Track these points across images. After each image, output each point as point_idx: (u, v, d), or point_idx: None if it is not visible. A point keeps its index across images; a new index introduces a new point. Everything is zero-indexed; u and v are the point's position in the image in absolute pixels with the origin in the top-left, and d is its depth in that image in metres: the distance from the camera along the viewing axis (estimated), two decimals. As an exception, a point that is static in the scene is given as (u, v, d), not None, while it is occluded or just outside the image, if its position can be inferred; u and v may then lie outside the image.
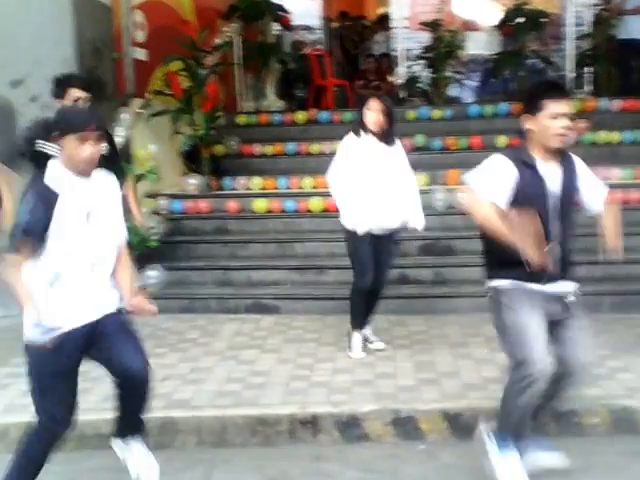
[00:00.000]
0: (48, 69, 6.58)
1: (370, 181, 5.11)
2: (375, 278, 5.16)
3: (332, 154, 8.31)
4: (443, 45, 10.88)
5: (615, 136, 8.09)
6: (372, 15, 14.42)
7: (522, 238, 3.25)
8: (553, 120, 3.35)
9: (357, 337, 5.29)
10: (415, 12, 14.57)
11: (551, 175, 3.44)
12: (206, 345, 5.66)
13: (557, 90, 3.44)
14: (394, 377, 4.81)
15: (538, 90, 3.47)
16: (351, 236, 5.18)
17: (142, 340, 3.51)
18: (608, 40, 10.29)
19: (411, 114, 9.18)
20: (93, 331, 3.38)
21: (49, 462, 3.53)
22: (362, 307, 5.30)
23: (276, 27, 11.84)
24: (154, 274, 6.62)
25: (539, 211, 3.33)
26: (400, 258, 5.98)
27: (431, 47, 11.22)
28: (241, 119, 9.53)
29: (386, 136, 5.15)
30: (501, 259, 3.45)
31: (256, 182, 7.88)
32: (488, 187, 3.41)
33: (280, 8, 11.05)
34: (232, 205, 7.54)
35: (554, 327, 3.49)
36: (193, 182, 7.99)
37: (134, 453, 3.67)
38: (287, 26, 12.04)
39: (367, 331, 5.43)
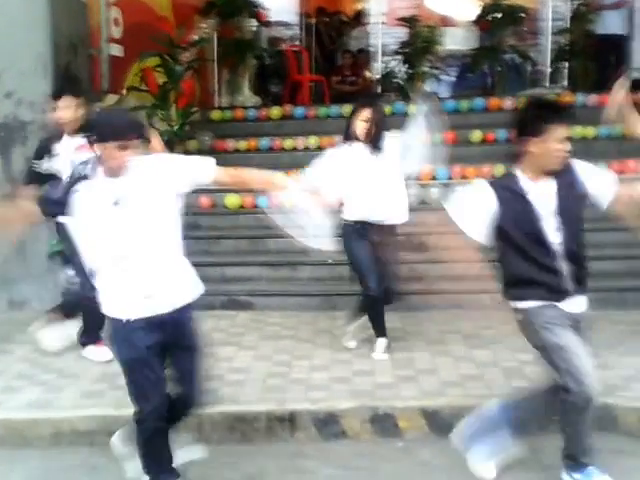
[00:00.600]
0: (23, 65, 6.57)
1: (357, 185, 5.09)
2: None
3: (306, 149, 8.46)
4: (420, 40, 10.89)
5: (591, 131, 8.13)
6: (349, 11, 14.40)
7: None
8: (558, 143, 3.33)
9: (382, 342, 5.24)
10: (392, 8, 14.56)
11: (543, 193, 3.40)
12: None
13: (562, 113, 3.40)
14: (372, 374, 4.81)
15: (542, 113, 3.39)
16: (346, 236, 5.15)
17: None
18: (585, 35, 10.37)
19: (386, 109, 9.17)
20: (165, 326, 3.33)
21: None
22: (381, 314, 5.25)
23: (253, 23, 11.81)
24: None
25: (532, 234, 3.36)
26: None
27: (408, 42, 11.22)
28: (216, 115, 9.50)
29: (374, 143, 5.08)
30: (521, 280, 3.48)
31: (229, 178, 7.80)
32: (466, 221, 3.44)
33: (257, 4, 11.01)
34: (204, 201, 7.48)
35: None
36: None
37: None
38: (264, 22, 12.01)
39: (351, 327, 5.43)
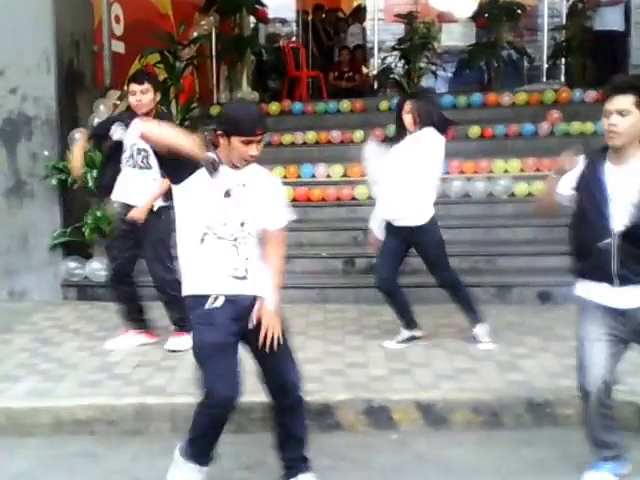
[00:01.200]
0: (27, 61, 6.60)
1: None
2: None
3: (304, 144, 8.46)
4: (418, 37, 10.90)
5: (589, 127, 8.12)
6: (347, 7, 14.39)
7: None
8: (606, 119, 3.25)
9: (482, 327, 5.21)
10: (389, 4, 14.57)
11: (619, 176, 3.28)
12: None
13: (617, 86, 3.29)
14: (366, 367, 4.80)
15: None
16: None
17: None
18: (583, 31, 10.36)
19: (384, 105, 9.18)
20: (244, 307, 3.33)
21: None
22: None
23: (252, 20, 11.81)
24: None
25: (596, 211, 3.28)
26: (370, 248, 6.00)
27: (405, 39, 11.23)
28: (215, 110, 9.49)
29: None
30: (574, 249, 3.43)
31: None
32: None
33: (256, 1, 10.99)
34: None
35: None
36: (166, 172, 7.91)
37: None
38: (263, 19, 12.01)
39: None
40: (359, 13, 13.65)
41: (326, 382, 4.54)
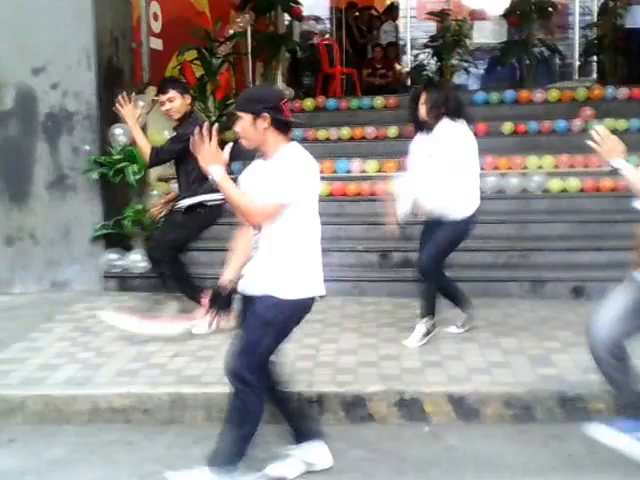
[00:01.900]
0: (68, 57, 6.62)
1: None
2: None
3: (339, 140, 8.39)
4: (450, 34, 10.79)
5: (622, 123, 7.93)
6: (380, 5, 14.29)
7: None
8: None
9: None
10: (422, 2, 14.46)
11: None
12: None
13: None
14: (398, 359, 4.72)
15: None
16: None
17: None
18: (614, 29, 10.16)
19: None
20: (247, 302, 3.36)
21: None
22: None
23: (286, 17, 11.76)
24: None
25: None
26: (404, 241, 5.92)
27: (438, 36, 11.13)
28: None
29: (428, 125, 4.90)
30: None
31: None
32: None
33: (290, -1, 10.95)
34: (242, 188, 7.46)
35: None
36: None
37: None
38: (297, 16, 11.95)
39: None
40: (392, 11, 13.55)
41: (359, 374, 4.48)
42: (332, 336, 5.22)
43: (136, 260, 6.62)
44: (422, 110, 4.88)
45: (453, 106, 4.85)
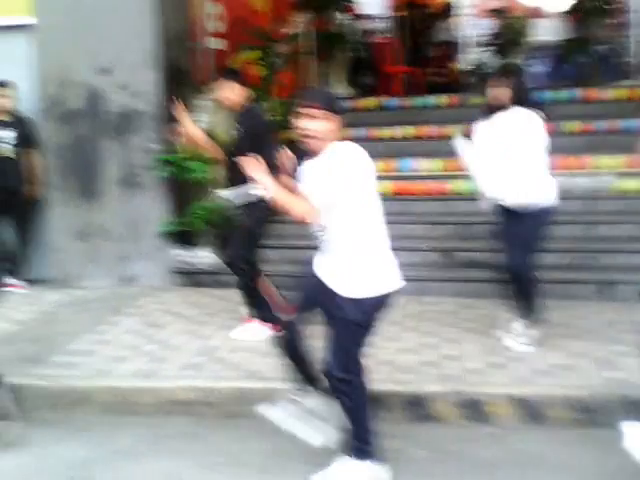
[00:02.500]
0: (134, 58, 6.68)
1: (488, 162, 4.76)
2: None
3: (402, 139, 8.27)
4: (510, 32, 10.57)
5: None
6: (439, 3, 14.09)
7: None
8: None
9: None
10: (481, -1, 14.21)
11: None
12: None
13: None
14: (460, 359, 4.62)
15: None
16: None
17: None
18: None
19: (479, 100, 8.86)
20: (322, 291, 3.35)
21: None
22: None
23: (346, 16, 11.68)
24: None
25: None
26: (470, 241, 5.78)
27: (498, 34, 10.93)
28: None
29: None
30: None
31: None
32: None
33: (349, -2, 10.89)
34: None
35: None
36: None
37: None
38: (355, 15, 11.86)
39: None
40: (450, 9, 13.34)
41: (420, 373, 4.40)
42: (393, 335, 5.12)
43: (202, 256, 6.69)
44: (496, 93, 4.72)
45: (525, 94, 4.73)
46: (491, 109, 4.79)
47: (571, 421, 4.02)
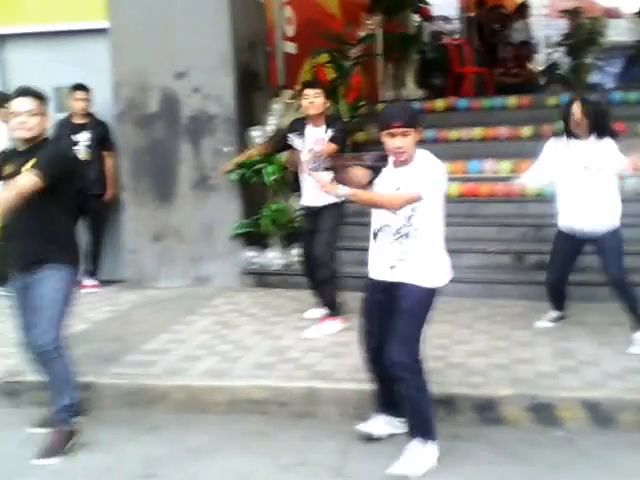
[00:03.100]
0: (208, 62, 6.77)
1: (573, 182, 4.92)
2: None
3: (471, 140, 8.19)
4: (584, 32, 10.36)
5: None
6: (511, 3, 13.90)
7: None
8: None
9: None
10: (554, 0, 13.99)
11: None
12: (349, 321, 5.60)
13: None
14: (532, 363, 4.56)
15: None
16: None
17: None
18: None
19: (551, 100, 8.74)
20: (390, 290, 3.56)
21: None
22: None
23: (416, 18, 11.64)
24: (298, 252, 6.64)
25: None
26: (539, 243, 5.70)
27: (571, 34, 10.72)
28: (381, 108, 9.38)
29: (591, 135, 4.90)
30: None
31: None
32: None
33: (421, 0, 10.81)
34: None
35: None
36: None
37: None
38: (427, 17, 11.80)
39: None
40: (523, 9, 13.13)
41: (491, 376, 4.36)
42: (463, 337, 5.11)
43: (272, 257, 6.76)
44: (575, 118, 4.84)
45: (606, 122, 4.92)
46: (570, 133, 4.93)
47: (643, 426, 3.94)
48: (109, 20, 6.90)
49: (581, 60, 10.13)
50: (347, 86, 8.38)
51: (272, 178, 6.63)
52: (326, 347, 5.00)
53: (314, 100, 5.32)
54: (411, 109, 3.71)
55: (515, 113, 8.78)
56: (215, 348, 5.07)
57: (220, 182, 6.84)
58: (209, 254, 6.92)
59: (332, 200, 4.99)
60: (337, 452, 3.82)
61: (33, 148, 3.87)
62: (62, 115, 7.08)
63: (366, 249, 3.70)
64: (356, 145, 8.35)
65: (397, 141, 3.42)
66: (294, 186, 6.22)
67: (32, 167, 3.73)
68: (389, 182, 3.53)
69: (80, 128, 7.02)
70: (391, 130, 3.41)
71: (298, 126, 5.48)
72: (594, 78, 10.60)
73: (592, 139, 4.84)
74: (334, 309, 5.42)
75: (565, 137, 4.96)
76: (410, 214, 3.46)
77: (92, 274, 7.03)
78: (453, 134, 8.26)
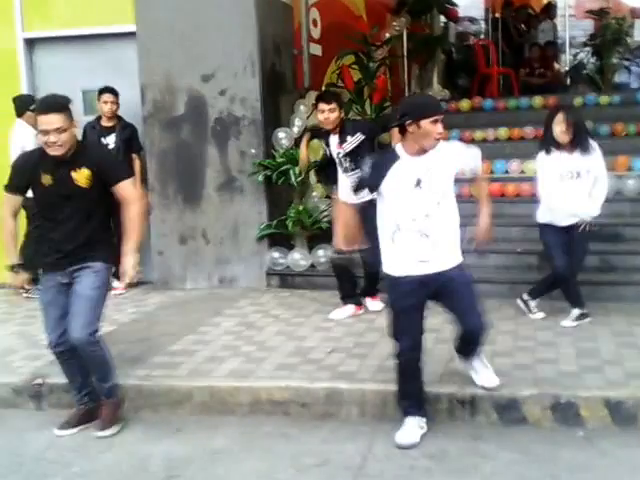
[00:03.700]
0: (234, 65, 6.81)
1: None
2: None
3: (496, 140, 8.15)
4: (609, 32, 10.26)
5: None
6: (537, 4, 13.79)
7: None
8: None
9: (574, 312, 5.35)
10: (580, 0, 13.87)
11: None
12: (370, 322, 5.61)
13: None
14: (555, 363, 4.53)
15: None
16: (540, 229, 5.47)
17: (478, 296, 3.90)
18: None
19: (577, 101, 8.65)
20: (434, 282, 3.76)
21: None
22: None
23: (442, 19, 11.59)
24: (323, 253, 6.68)
25: None
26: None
27: (597, 34, 10.64)
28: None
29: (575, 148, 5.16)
30: None
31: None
32: None
33: (447, 1, 10.76)
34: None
35: None
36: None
37: (475, 367, 4.16)
38: (453, 18, 11.75)
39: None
40: (550, 9, 13.03)
41: (514, 376, 4.33)
42: (487, 338, 5.06)
43: (297, 258, 6.78)
44: (558, 129, 5.09)
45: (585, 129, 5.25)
46: (554, 144, 5.21)
47: (667, 425, 3.89)
48: (137, 23, 6.98)
49: (607, 60, 10.05)
50: (372, 87, 8.37)
51: (297, 179, 6.65)
52: (350, 348, 5.00)
53: (329, 116, 5.43)
54: (437, 99, 4.08)
55: (541, 113, 8.65)
56: (240, 349, 5.09)
57: (246, 184, 6.88)
58: (235, 255, 6.96)
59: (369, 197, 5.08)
60: (358, 454, 3.80)
61: (73, 156, 3.95)
62: (90, 118, 7.16)
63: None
64: (381, 146, 8.35)
65: (440, 127, 3.64)
66: (324, 179, 6.33)
67: (115, 180, 4.04)
68: (408, 172, 3.67)
69: (108, 131, 7.08)
70: (437, 117, 3.62)
71: (325, 133, 5.63)
72: (620, 78, 10.51)
73: (575, 147, 5.11)
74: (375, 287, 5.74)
75: (545, 146, 5.23)
76: (439, 199, 3.69)
77: (119, 276, 7.05)
78: (479, 134, 8.22)
